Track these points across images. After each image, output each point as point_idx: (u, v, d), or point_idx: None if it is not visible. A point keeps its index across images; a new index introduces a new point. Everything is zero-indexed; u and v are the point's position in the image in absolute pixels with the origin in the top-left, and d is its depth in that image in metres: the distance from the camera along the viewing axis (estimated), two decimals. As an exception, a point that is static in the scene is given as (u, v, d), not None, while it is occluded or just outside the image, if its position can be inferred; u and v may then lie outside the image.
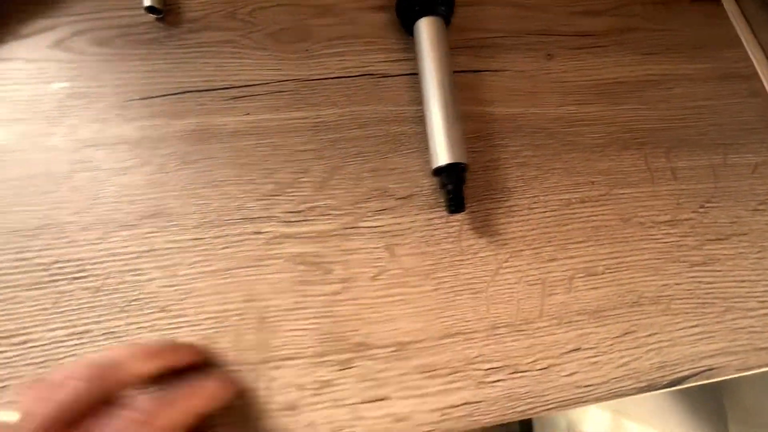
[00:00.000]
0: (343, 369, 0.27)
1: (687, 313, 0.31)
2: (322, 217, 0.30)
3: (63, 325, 0.26)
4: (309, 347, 0.27)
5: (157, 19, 0.35)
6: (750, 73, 0.40)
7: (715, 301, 0.31)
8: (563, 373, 0.28)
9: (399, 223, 0.31)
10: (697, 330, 0.30)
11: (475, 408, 0.27)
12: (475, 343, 0.28)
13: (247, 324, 0.27)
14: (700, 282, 0.32)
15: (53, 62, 0.33)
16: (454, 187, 0.29)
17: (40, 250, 0.28)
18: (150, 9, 0.34)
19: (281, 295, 0.28)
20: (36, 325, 0.26)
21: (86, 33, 0.34)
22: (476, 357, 0.28)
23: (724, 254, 0.32)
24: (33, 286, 0.27)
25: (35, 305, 0.27)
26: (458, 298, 0.29)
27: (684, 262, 0.32)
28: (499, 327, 0.29)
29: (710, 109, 0.37)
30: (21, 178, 0.29)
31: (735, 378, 0.29)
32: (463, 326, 0.29)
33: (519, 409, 0.27)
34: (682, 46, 0.40)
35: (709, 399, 0.56)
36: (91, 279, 0.27)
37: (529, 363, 0.28)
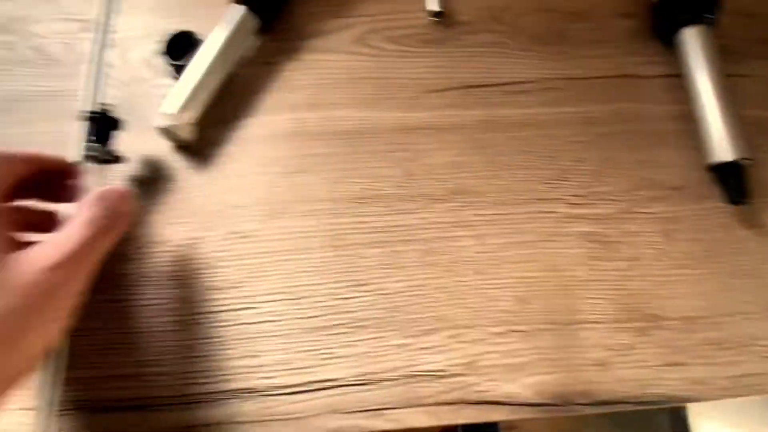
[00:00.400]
0: (641, 336, 0.31)
1: None
2: (601, 202, 0.34)
3: (402, 278, 0.32)
4: (608, 314, 0.31)
5: (436, 22, 0.39)
6: None
7: None
8: (842, 358, 0.31)
9: (672, 211, 0.34)
10: None
11: (763, 380, 0.30)
12: (757, 322, 0.31)
13: (553, 290, 0.32)
14: None
15: (358, 55, 0.38)
16: (740, 180, 0.32)
17: (372, 216, 0.33)
18: (436, 13, 0.39)
19: (578, 267, 0.32)
20: (382, 277, 0.32)
21: (380, 32, 0.39)
22: (758, 335, 0.31)
23: None
24: (373, 245, 0.32)
25: (378, 261, 0.32)
26: (735, 281, 0.32)
27: None
28: (776, 311, 0.32)
29: None
30: (348, 154, 0.35)
31: None
32: (742, 307, 0.32)
33: (803, 385, 0.30)
34: None
35: None
36: (418, 242, 0.33)
37: (809, 345, 0.31)
